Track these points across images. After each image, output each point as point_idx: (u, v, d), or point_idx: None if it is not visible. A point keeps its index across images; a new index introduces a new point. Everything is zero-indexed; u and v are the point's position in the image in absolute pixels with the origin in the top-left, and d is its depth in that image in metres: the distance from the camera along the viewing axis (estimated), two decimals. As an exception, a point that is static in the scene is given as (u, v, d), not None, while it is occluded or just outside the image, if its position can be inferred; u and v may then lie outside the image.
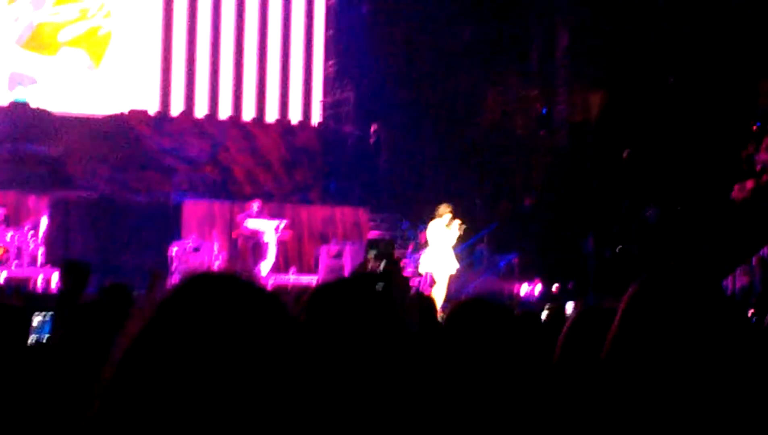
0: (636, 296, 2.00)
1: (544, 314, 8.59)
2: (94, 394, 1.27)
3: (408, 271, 20.43)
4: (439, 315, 7.86)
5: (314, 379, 1.30)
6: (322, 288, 2.72)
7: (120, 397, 1.24)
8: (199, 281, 1.32)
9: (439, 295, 18.30)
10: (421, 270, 19.65)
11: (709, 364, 1.89)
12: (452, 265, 19.31)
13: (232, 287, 1.31)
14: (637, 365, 1.92)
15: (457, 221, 19.05)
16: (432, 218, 19.25)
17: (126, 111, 23.47)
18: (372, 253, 19.51)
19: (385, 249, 20.14)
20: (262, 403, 1.22)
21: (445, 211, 19.07)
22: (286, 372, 1.26)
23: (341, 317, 2.56)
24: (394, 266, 14.93)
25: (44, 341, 4.88)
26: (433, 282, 19.23)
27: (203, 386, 1.21)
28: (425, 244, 20.19)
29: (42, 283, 19.36)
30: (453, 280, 21.63)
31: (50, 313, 4.86)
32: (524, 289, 21.95)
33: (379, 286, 2.93)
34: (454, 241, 19.22)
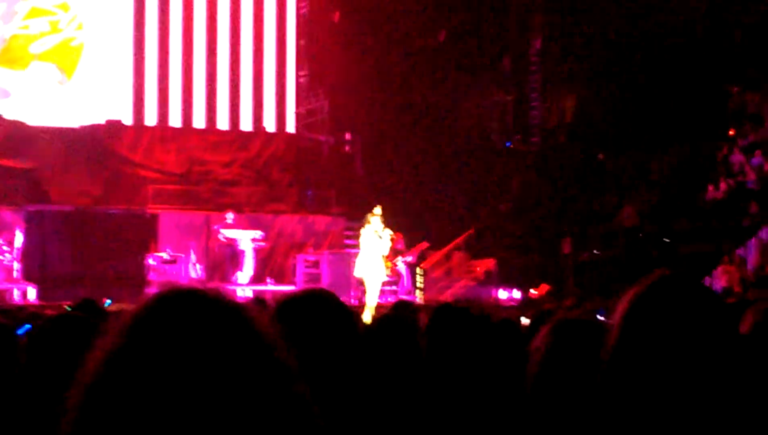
0: (634, 306, 2.00)
1: (525, 320, 8.53)
2: (61, 414, 1.26)
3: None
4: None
5: (289, 392, 1.29)
6: (287, 300, 2.71)
7: (88, 419, 1.23)
8: (167, 298, 1.31)
9: (370, 302, 17.52)
10: (356, 274, 18.35)
11: (708, 372, 1.91)
12: (382, 273, 18.02)
13: (200, 303, 1.30)
14: (639, 374, 1.93)
15: (388, 230, 17.70)
16: (365, 222, 17.93)
17: (101, 121, 23.32)
18: None
19: None
20: (233, 420, 1.21)
21: (375, 215, 17.75)
22: (257, 388, 1.25)
23: (306, 328, 2.56)
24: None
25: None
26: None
27: (172, 407, 1.20)
28: (401, 250, 20.04)
29: (19, 296, 19.24)
30: (432, 286, 21.61)
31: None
32: (503, 294, 21.89)
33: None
34: (386, 248, 17.82)
